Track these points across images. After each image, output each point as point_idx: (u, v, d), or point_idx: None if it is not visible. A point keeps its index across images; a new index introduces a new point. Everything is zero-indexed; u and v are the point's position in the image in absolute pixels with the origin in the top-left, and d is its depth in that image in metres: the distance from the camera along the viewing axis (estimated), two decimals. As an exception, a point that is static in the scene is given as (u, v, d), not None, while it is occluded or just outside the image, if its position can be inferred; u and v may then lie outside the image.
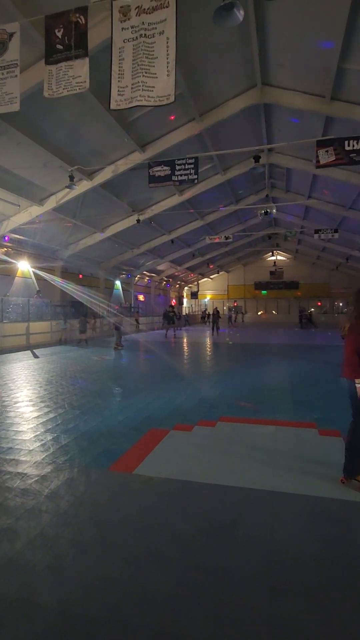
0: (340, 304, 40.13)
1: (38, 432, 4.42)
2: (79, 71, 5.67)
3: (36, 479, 3.22)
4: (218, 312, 23.59)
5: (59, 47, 5.71)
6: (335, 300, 40.47)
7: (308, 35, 8.60)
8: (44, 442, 4.10)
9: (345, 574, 2.07)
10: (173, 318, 18.99)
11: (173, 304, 27.15)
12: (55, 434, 4.36)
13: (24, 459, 3.65)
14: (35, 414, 5.19)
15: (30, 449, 3.90)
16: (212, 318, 23.38)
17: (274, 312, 41.87)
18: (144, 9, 5.42)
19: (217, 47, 9.19)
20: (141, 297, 29.91)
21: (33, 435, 4.33)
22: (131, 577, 2.07)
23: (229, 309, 36.90)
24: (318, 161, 9.57)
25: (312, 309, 37.47)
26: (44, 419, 4.95)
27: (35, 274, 17.67)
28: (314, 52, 9.09)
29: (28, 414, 5.20)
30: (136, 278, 27.71)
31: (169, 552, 2.28)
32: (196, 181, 11.06)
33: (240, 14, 5.42)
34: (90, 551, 2.30)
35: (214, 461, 3.62)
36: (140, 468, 3.46)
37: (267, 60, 9.97)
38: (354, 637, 1.67)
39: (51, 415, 5.12)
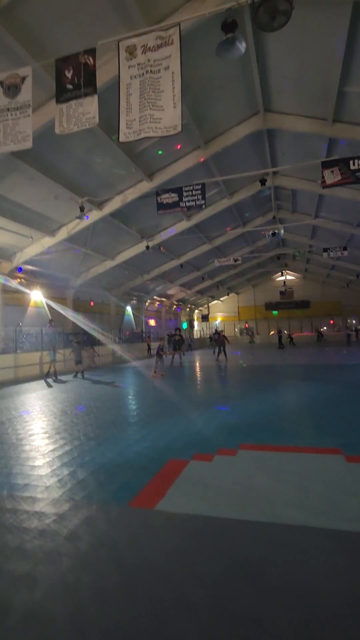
0: (354, 322, 39.58)
1: (54, 467, 4.30)
2: (88, 108, 5.87)
3: (54, 518, 3.09)
4: (220, 333, 20.41)
5: (69, 86, 5.96)
6: (347, 318, 39.94)
7: (307, 61, 8.87)
8: (60, 477, 3.98)
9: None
10: (180, 343, 16.61)
11: (179, 327, 24.04)
12: (72, 468, 4.23)
13: (40, 496, 3.53)
14: (51, 447, 5.08)
15: (47, 485, 3.78)
16: (214, 342, 20.56)
17: (285, 332, 41.47)
18: (150, 47, 5.65)
19: (220, 77, 9.52)
20: (152, 322, 29.99)
21: (49, 470, 4.21)
22: (156, 626, 1.92)
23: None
24: (324, 181, 9.67)
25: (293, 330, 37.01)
26: (60, 452, 4.84)
27: (47, 303, 17.91)
28: (314, 78, 9.34)
29: (44, 447, 5.09)
30: (147, 303, 27.88)
31: (196, 598, 2.12)
32: (204, 206, 11.25)
33: (242, 46, 5.60)
34: (112, 599, 2.15)
35: (238, 494, 3.45)
36: (161, 504, 3.30)
37: (269, 87, 10.27)
38: None
39: (67, 448, 5.01)
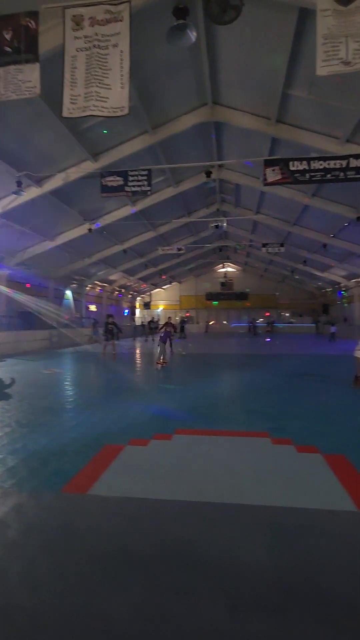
0: (287, 314, 42.10)
1: (-19, 455, 4.10)
2: (29, 76, 5.50)
3: (-20, 507, 2.97)
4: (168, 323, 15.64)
5: (8, 49, 5.53)
6: (281, 311, 42.35)
7: (255, 60, 9.08)
8: (-12, 465, 3.81)
9: (303, 584, 2.11)
10: (113, 331, 13.75)
11: (111, 314, 18.09)
12: (1, 455, 4.06)
13: (-35, 485, 3.35)
14: (-22, 435, 4.82)
15: (-27, 473, 3.60)
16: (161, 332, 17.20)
17: (224, 322, 42.88)
18: (98, 20, 5.41)
19: (171, 63, 9.39)
20: (93, 307, 29.27)
21: (-24, 458, 4.00)
22: (88, 608, 1.96)
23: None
24: (265, 179, 10.04)
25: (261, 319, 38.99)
26: (-12, 440, 4.61)
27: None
28: (261, 77, 9.60)
29: (-30, 435, 4.81)
30: (87, 288, 27.10)
31: (127, 577, 2.19)
32: (149, 193, 11.14)
33: (192, 35, 5.59)
34: (43, 584, 2.14)
35: (171, 476, 3.58)
36: (95, 488, 3.32)
37: (218, 80, 10.37)
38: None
39: (-4, 435, 4.78)
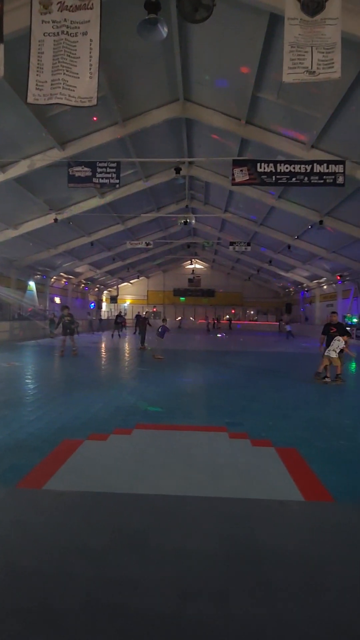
0: (252, 312, 43.05)
1: None
2: (-8, 57, 5.28)
3: None
4: (143, 317, 17.52)
5: (-30, 27, 5.27)
6: (247, 309, 43.25)
7: (227, 60, 9.19)
8: None
9: (246, 570, 2.22)
10: (71, 324, 12.57)
11: (67, 305, 16.35)
12: None
13: None
14: None
15: None
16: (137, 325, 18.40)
17: (191, 318, 43.21)
18: (67, 5, 5.28)
19: (143, 56, 9.30)
20: (58, 300, 28.55)
21: None
22: (38, 602, 1.96)
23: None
24: (234, 179, 10.21)
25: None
26: None
27: None
28: (231, 77, 9.73)
29: None
30: (52, 279, 26.39)
31: (79, 569, 2.21)
32: (118, 185, 11.03)
33: (163, 31, 5.58)
34: (-10, 579, 2.12)
35: (129, 470, 3.61)
36: (51, 483, 3.29)
37: (189, 77, 10.39)
38: (258, 631, 1.81)
39: None
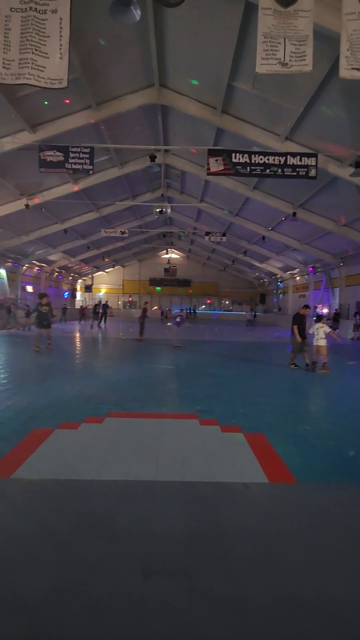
0: (227, 302, 43.52)
1: None
2: None
3: None
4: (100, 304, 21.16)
5: None
6: (222, 299, 43.65)
7: (202, 47, 9.09)
8: None
9: (209, 548, 2.31)
10: (47, 316, 11.20)
11: (46, 293, 14.52)
12: None
13: None
14: None
15: None
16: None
17: (167, 308, 43.18)
18: (35, -19, 5.06)
19: (117, 38, 9.05)
20: (30, 289, 27.83)
21: None
22: (5, 586, 1.98)
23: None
24: (209, 168, 10.20)
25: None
26: None
27: None
28: (207, 64, 9.65)
29: None
30: (24, 267, 25.66)
31: (46, 554, 2.24)
32: (91, 172, 10.79)
33: (137, 13, 5.46)
34: None
35: (99, 457, 3.64)
36: (19, 472, 3.28)
37: (165, 63, 10.22)
38: (217, 604, 1.90)
39: None
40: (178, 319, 13.74)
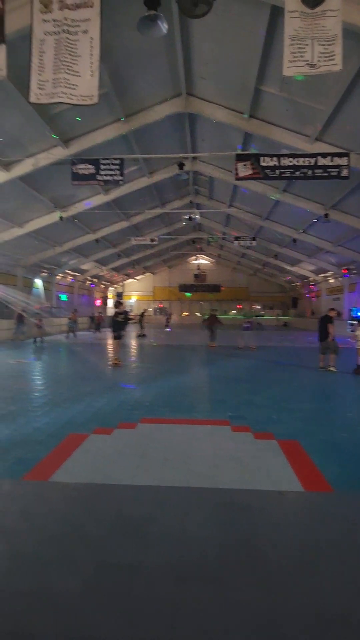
0: (258, 307, 42.93)
1: None
2: (-6, 58, 5.33)
3: None
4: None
5: (-29, 28, 5.32)
6: (252, 304, 43.10)
7: (228, 54, 9.14)
8: None
9: (243, 556, 2.29)
10: (123, 325, 10.68)
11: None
12: None
13: None
14: None
15: None
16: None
17: (197, 313, 43.20)
18: (67, 4, 5.30)
19: (144, 51, 9.28)
20: (64, 297, 28.73)
21: None
22: (40, 586, 2.05)
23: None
24: (237, 173, 10.18)
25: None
26: None
27: None
28: (234, 70, 9.67)
29: None
30: (58, 277, 26.56)
31: (81, 556, 2.29)
32: (121, 183, 11.03)
33: (164, 27, 5.58)
34: (-2, 565, 2.21)
35: (132, 463, 3.69)
36: (57, 475, 3.39)
37: (192, 71, 10.35)
38: (251, 613, 1.87)
39: None
40: (246, 325, 15.52)
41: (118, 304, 10.20)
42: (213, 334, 15.57)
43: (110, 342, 15.80)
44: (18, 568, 2.20)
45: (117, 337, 10.01)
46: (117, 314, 10.22)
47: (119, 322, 9.91)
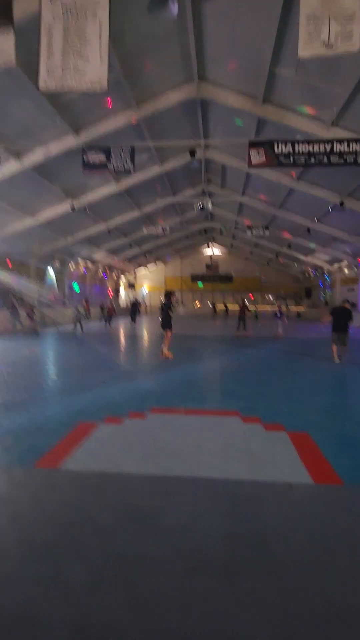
0: (271, 297, 42.51)
1: None
2: (3, 45, 5.27)
3: None
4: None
5: (-20, 15, 5.26)
6: (265, 294, 42.69)
7: (242, 36, 8.88)
8: None
9: (252, 548, 2.27)
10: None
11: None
12: (-25, 433, 4.13)
13: None
14: None
15: None
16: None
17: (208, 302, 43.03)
18: (76, -13, 5.19)
19: (155, 35, 9.09)
20: (76, 287, 28.90)
21: None
22: (49, 572, 2.08)
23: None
24: (250, 161, 9.97)
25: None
26: None
27: None
28: (247, 53, 9.41)
29: None
30: (71, 267, 26.71)
31: (90, 544, 2.31)
32: (132, 171, 10.94)
33: (174, 8, 5.43)
34: (8, 552, 2.25)
35: (142, 452, 3.71)
36: (67, 463, 3.42)
37: (204, 55, 10.11)
38: (260, 605, 1.86)
39: (-29, 413, 4.82)
40: (278, 314, 16.06)
41: (169, 294, 9.38)
42: (244, 323, 15.79)
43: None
44: (29, 555, 2.23)
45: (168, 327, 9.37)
46: (165, 307, 9.45)
47: (168, 315, 9.32)
